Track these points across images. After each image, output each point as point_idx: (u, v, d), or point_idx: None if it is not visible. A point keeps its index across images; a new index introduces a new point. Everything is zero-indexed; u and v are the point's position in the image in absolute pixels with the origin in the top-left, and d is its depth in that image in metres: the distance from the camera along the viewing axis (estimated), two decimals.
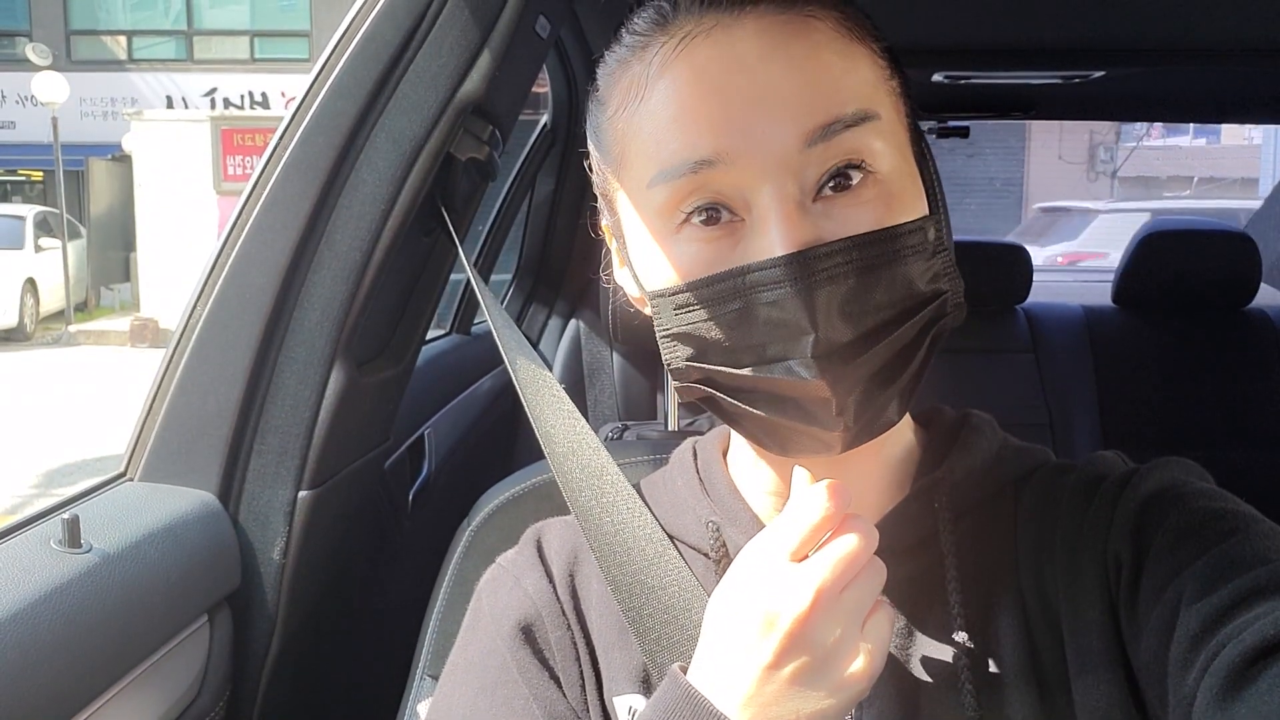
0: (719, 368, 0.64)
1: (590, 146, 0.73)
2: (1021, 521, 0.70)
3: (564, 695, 0.72)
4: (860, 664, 0.58)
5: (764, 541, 0.61)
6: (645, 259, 0.67)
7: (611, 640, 0.74)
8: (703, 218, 0.62)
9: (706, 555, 0.74)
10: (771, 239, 0.60)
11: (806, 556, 0.60)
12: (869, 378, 0.61)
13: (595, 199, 0.75)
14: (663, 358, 0.67)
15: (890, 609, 0.62)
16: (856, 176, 0.61)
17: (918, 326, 0.62)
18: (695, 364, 0.65)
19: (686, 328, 0.64)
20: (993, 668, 0.65)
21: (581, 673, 0.73)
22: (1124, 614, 0.64)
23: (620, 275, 0.75)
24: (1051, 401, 2.53)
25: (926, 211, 0.65)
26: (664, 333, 0.66)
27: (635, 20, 0.67)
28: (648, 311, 0.69)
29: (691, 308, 0.63)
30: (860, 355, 0.60)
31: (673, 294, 0.64)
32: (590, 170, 0.74)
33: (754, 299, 0.60)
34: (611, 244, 0.75)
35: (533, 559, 0.79)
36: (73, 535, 0.85)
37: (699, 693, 0.59)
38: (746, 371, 0.62)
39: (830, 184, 0.61)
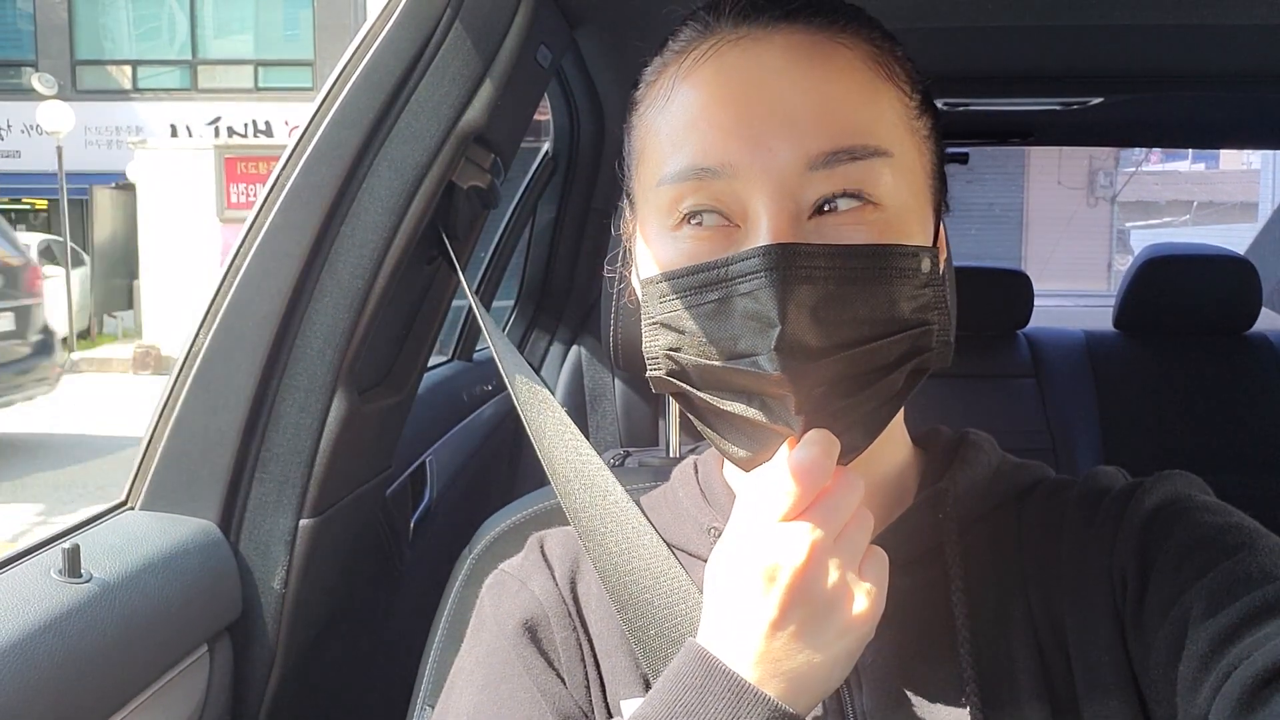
0: (693, 359, 0.64)
1: (624, 145, 0.75)
2: (1024, 537, 0.70)
3: (570, 694, 0.72)
4: (863, 605, 0.59)
5: (755, 504, 0.61)
6: (645, 251, 0.69)
7: (614, 644, 0.74)
8: (699, 220, 0.64)
9: (707, 561, 0.74)
10: (760, 240, 0.61)
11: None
12: (832, 381, 0.61)
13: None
14: (643, 345, 0.68)
15: (881, 551, 0.62)
16: (856, 204, 0.62)
17: (895, 350, 0.62)
18: (672, 354, 0.66)
19: (668, 316, 0.65)
20: (1003, 686, 0.65)
21: (587, 674, 0.73)
22: (1131, 631, 0.63)
23: (634, 275, 0.76)
24: (1054, 426, 2.52)
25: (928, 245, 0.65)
26: (648, 320, 0.67)
27: (682, 29, 0.69)
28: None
29: (674, 296, 0.64)
30: (824, 357, 0.60)
31: (658, 281, 0.65)
32: (620, 171, 0.76)
33: (732, 290, 0.61)
34: (630, 243, 0.77)
35: (538, 562, 0.79)
36: (73, 565, 0.85)
37: (711, 655, 0.59)
38: (717, 364, 0.63)
39: (827, 206, 0.62)
